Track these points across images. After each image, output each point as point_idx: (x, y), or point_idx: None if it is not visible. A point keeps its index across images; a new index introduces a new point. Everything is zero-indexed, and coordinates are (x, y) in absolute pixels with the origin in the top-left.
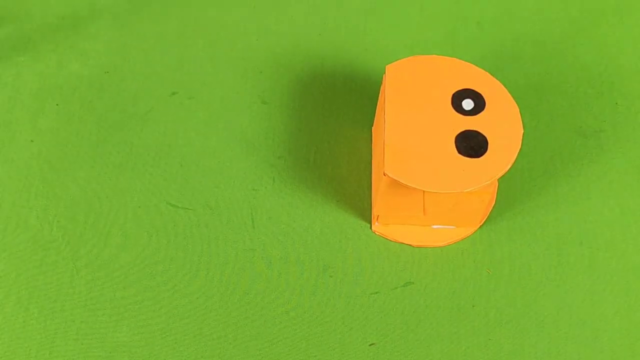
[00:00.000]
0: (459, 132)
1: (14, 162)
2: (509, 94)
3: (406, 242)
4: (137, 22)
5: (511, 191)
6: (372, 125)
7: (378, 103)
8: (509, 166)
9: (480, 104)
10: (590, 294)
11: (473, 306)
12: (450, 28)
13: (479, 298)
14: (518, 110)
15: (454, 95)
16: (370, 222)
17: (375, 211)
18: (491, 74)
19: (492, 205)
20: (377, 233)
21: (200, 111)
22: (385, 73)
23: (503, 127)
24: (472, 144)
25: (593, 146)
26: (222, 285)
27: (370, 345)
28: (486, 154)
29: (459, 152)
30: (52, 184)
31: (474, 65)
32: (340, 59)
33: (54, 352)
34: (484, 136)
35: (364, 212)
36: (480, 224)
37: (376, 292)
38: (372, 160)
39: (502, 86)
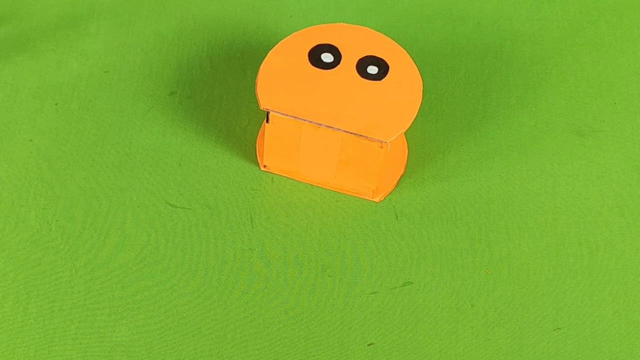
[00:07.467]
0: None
1: (12, 162)
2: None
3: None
4: (136, 21)
5: (509, 191)
6: None
7: None
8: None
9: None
10: (589, 294)
11: (472, 306)
12: (450, 28)
13: (478, 298)
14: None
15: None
16: (369, 223)
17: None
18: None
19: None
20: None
21: (200, 111)
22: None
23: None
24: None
25: (591, 146)
26: (221, 285)
27: (369, 345)
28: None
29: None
30: (51, 183)
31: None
32: None
33: (53, 352)
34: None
35: (364, 213)
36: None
37: (375, 292)
38: None
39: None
